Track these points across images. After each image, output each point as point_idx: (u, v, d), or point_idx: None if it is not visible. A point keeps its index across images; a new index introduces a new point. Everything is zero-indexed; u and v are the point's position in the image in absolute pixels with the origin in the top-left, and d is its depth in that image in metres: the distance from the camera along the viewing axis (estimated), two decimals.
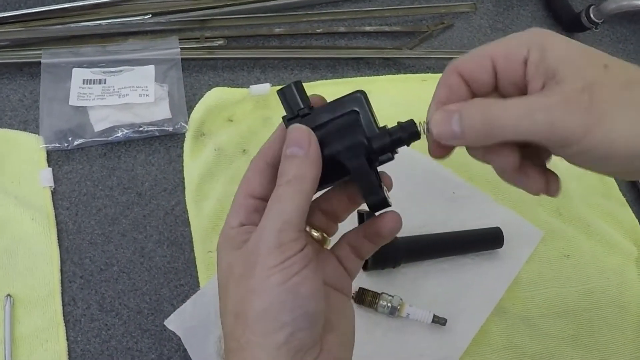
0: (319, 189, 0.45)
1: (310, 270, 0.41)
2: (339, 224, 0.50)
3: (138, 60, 0.81)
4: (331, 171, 0.43)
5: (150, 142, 0.77)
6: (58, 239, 0.70)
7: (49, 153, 0.75)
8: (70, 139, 0.75)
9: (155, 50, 0.82)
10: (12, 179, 0.72)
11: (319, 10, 0.92)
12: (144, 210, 0.73)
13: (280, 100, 0.45)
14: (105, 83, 0.79)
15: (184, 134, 0.77)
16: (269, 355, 0.39)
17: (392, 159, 0.44)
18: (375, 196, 0.42)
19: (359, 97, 0.44)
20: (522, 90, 0.42)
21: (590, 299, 0.72)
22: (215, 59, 0.85)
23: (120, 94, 0.78)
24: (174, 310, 0.64)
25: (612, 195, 0.81)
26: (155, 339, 0.65)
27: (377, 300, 0.66)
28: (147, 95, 0.78)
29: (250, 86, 0.80)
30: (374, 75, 0.86)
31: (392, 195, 0.46)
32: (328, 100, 0.45)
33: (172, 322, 0.64)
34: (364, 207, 0.45)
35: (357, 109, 0.43)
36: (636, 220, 0.79)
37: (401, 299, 0.66)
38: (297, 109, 0.44)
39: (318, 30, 0.90)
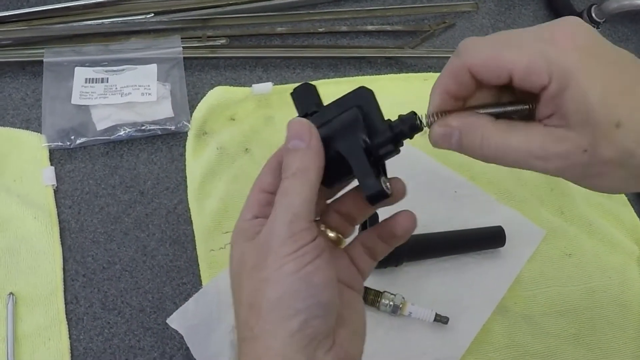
0: (332, 187, 0.46)
1: (323, 260, 0.41)
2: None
3: (140, 59, 0.82)
4: (339, 168, 0.44)
5: (152, 140, 0.77)
6: (60, 238, 0.70)
7: (52, 152, 0.75)
8: (72, 137, 0.75)
9: (157, 49, 0.82)
10: (15, 178, 0.72)
11: (321, 9, 0.92)
12: (146, 209, 0.73)
13: (293, 101, 0.46)
14: (107, 82, 0.79)
15: (187, 132, 0.77)
16: (283, 343, 0.39)
17: (397, 152, 0.44)
18: (372, 187, 0.42)
19: (364, 92, 0.44)
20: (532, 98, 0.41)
21: (592, 298, 0.72)
22: (217, 58, 0.85)
23: (122, 92, 0.78)
24: (177, 309, 0.65)
25: (614, 195, 0.81)
26: (158, 337, 0.66)
27: (379, 299, 0.66)
28: (149, 94, 0.78)
29: (253, 85, 0.80)
30: (375, 75, 0.87)
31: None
32: (331, 100, 0.46)
33: (175, 321, 0.64)
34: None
35: (360, 105, 0.44)
36: (638, 220, 0.79)
37: (403, 298, 0.66)
38: (308, 109, 0.45)
39: (320, 30, 0.90)
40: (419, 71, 0.88)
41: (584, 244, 0.75)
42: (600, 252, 0.75)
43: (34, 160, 0.74)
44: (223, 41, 0.86)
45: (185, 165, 0.76)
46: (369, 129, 0.43)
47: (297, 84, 0.84)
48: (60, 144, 0.75)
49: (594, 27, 0.93)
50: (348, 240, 0.49)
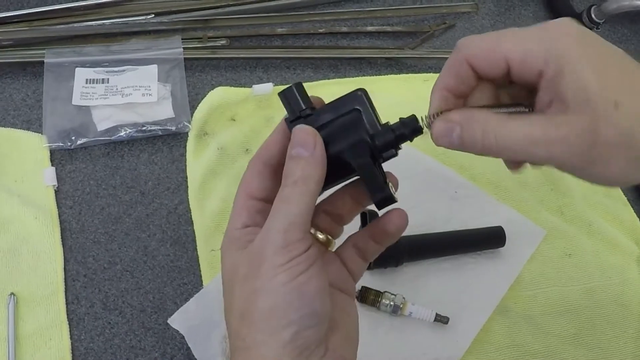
0: (324, 189, 0.45)
1: (316, 269, 0.41)
2: (345, 227, 0.50)
3: (141, 60, 0.82)
4: (336, 170, 0.43)
5: (153, 141, 0.77)
6: (61, 238, 0.70)
7: (52, 152, 0.75)
8: (73, 138, 0.75)
9: (158, 49, 0.83)
10: (16, 178, 0.73)
11: (321, 10, 0.92)
12: (147, 209, 0.73)
13: (282, 101, 0.45)
14: (108, 82, 0.79)
15: (187, 133, 0.77)
16: (275, 353, 0.39)
17: (395, 155, 0.44)
18: (381, 193, 0.42)
19: (360, 95, 0.44)
20: (532, 88, 0.42)
21: (591, 298, 0.72)
22: (218, 59, 0.85)
23: (123, 93, 0.78)
24: (177, 309, 0.65)
25: (614, 195, 0.81)
26: (159, 338, 0.66)
27: (379, 299, 0.66)
28: (150, 94, 0.78)
29: (253, 86, 0.80)
30: (376, 75, 0.87)
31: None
32: (329, 101, 0.45)
33: (176, 321, 0.64)
34: (368, 208, 0.45)
35: (358, 107, 0.43)
36: (637, 220, 0.79)
37: (403, 298, 0.66)
38: (299, 110, 0.44)
39: (320, 30, 0.90)
40: (419, 72, 0.88)
41: (584, 244, 0.76)
42: (600, 252, 0.76)
43: (34, 160, 0.74)
44: (223, 42, 0.86)
45: (186, 165, 0.76)
46: (370, 131, 0.43)
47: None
48: (61, 144, 0.75)
49: (593, 27, 0.93)
50: (338, 242, 0.48)
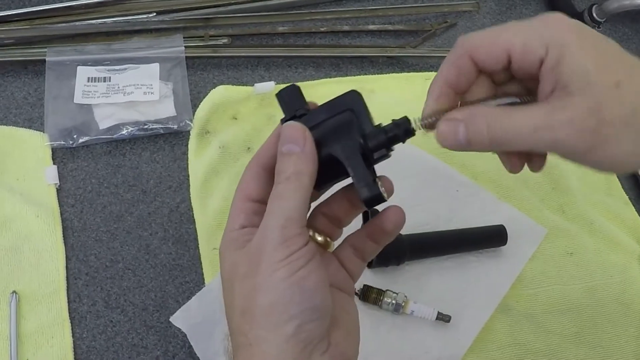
0: (320, 190, 0.45)
1: (315, 264, 0.41)
2: (344, 229, 0.49)
3: (143, 58, 0.82)
4: (329, 170, 0.43)
5: (155, 139, 0.77)
6: (63, 236, 0.70)
7: (54, 151, 0.75)
8: (75, 136, 0.75)
9: (159, 48, 0.83)
10: (18, 177, 0.73)
11: (323, 9, 0.92)
12: (149, 208, 0.73)
13: (279, 102, 0.45)
14: (110, 81, 0.79)
15: (189, 131, 0.77)
16: (278, 348, 0.39)
17: (388, 156, 0.44)
18: (369, 191, 0.42)
19: (354, 96, 0.44)
20: (533, 78, 0.42)
21: (593, 297, 0.72)
22: (219, 57, 0.85)
23: (125, 91, 0.78)
24: (179, 307, 0.65)
25: (615, 194, 0.81)
26: (161, 336, 0.66)
27: (381, 298, 0.66)
28: (151, 93, 0.78)
29: (255, 84, 0.80)
30: (377, 74, 0.87)
31: (396, 193, 0.46)
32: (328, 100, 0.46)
33: (178, 319, 0.64)
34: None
35: (352, 108, 0.44)
36: (639, 218, 0.80)
37: (405, 296, 0.67)
38: (294, 110, 0.44)
39: (322, 29, 0.90)
40: (420, 70, 0.88)
41: (586, 243, 0.76)
42: (601, 251, 0.76)
43: (36, 159, 0.74)
44: (225, 40, 0.86)
45: (187, 164, 0.76)
46: (362, 132, 0.43)
47: (299, 83, 0.84)
48: (62, 142, 0.75)
49: (594, 26, 0.93)
50: (336, 243, 0.48)
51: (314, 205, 0.48)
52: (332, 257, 0.48)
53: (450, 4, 0.95)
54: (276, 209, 0.41)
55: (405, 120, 0.44)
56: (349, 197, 0.47)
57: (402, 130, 0.43)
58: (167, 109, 0.78)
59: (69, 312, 0.66)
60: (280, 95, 0.45)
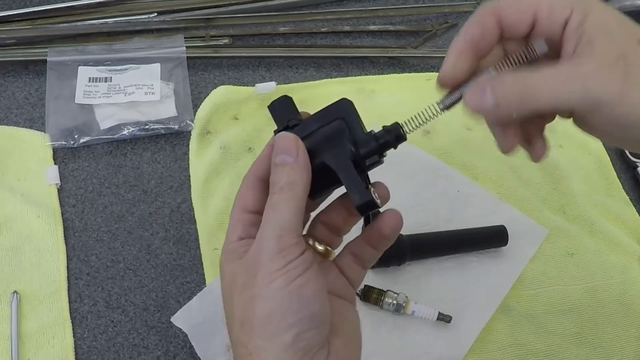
0: (315, 199, 0.46)
1: (313, 272, 0.41)
2: (345, 237, 0.50)
3: (144, 59, 0.82)
4: (324, 179, 0.44)
5: (156, 140, 0.77)
6: (64, 236, 0.70)
7: (55, 151, 0.75)
8: (76, 136, 0.75)
9: (160, 48, 0.83)
10: (19, 177, 0.73)
11: (324, 9, 0.93)
12: (150, 208, 0.73)
13: (271, 114, 0.46)
14: (111, 81, 0.79)
15: (190, 132, 0.78)
16: (277, 357, 0.39)
17: (380, 162, 0.44)
18: (362, 198, 0.42)
19: (345, 104, 0.44)
20: (553, 47, 0.42)
21: (593, 297, 0.72)
22: (220, 58, 0.85)
23: (126, 92, 0.78)
24: (180, 307, 0.65)
25: (616, 194, 0.81)
26: (162, 336, 0.66)
27: (382, 298, 0.66)
28: (152, 93, 0.79)
29: (256, 84, 0.80)
30: (378, 74, 0.87)
31: (396, 194, 0.46)
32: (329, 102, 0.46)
33: (179, 319, 0.64)
34: None
35: (343, 116, 0.44)
36: (639, 219, 0.79)
37: (406, 297, 0.67)
38: (287, 121, 0.45)
39: (323, 29, 0.90)
40: (421, 71, 0.88)
41: (586, 243, 0.76)
42: (602, 251, 0.76)
43: (37, 159, 0.74)
44: (226, 41, 0.86)
45: (188, 164, 0.76)
46: (354, 140, 0.43)
47: (300, 83, 0.85)
48: (64, 143, 0.75)
49: None
50: (337, 251, 0.49)
51: (313, 214, 0.48)
52: (332, 265, 0.48)
53: (451, 5, 0.95)
54: (271, 219, 0.41)
55: (396, 126, 0.44)
56: (346, 205, 0.47)
57: (393, 136, 0.44)
58: (168, 109, 0.78)
59: (70, 312, 0.66)
60: (272, 107, 0.46)
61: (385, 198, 0.45)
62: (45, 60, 0.80)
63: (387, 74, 0.87)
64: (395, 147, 0.44)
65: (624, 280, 0.74)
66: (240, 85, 0.82)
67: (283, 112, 0.45)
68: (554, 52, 0.43)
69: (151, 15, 0.86)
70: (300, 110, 0.46)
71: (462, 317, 0.67)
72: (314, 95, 0.82)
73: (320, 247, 0.47)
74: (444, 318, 0.66)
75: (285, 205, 0.41)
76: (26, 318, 0.65)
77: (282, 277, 0.40)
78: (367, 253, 0.47)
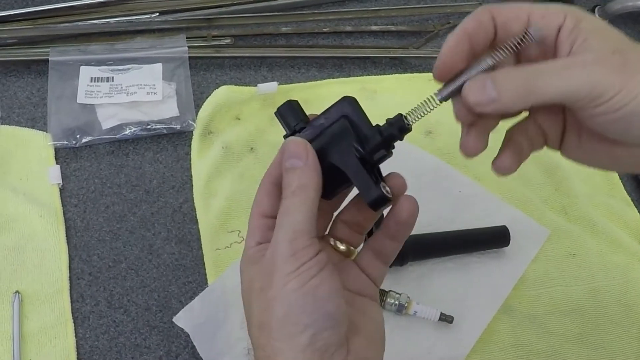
0: (330, 199, 0.46)
1: (327, 272, 0.41)
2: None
3: (146, 59, 0.82)
4: (335, 179, 0.44)
5: (158, 140, 0.77)
6: (66, 236, 0.70)
7: (57, 150, 0.75)
8: (78, 136, 0.75)
9: (162, 48, 0.83)
10: (21, 176, 0.73)
11: (326, 9, 0.93)
12: (152, 208, 0.73)
13: (278, 119, 0.46)
14: (113, 81, 0.79)
15: (192, 132, 0.78)
16: (295, 359, 0.40)
17: (389, 155, 0.44)
18: (372, 194, 0.42)
19: (348, 102, 0.44)
20: (546, 53, 0.43)
21: (595, 298, 0.72)
22: (222, 58, 0.85)
23: (128, 92, 0.78)
24: (182, 307, 0.65)
25: (618, 195, 0.81)
26: (164, 336, 0.66)
27: (384, 298, 0.66)
28: (154, 93, 0.79)
29: (258, 85, 0.80)
30: (380, 75, 0.87)
31: None
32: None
33: (181, 319, 0.64)
34: None
35: (346, 114, 0.44)
36: None
37: (408, 297, 0.67)
38: (294, 125, 0.45)
39: (325, 30, 0.90)
40: (423, 71, 0.88)
41: (588, 244, 0.76)
42: (604, 252, 0.76)
43: (39, 159, 0.74)
44: (228, 41, 0.86)
45: (190, 164, 0.76)
46: (359, 136, 0.43)
47: (302, 83, 0.85)
48: (65, 142, 0.75)
49: None
50: (358, 249, 0.49)
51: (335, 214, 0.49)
52: (352, 263, 0.48)
53: (452, 5, 0.95)
54: (284, 223, 0.42)
55: (399, 118, 0.44)
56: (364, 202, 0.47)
57: (396, 128, 0.44)
58: (170, 109, 0.78)
59: (72, 312, 0.66)
60: (278, 113, 0.46)
61: (402, 187, 0.45)
62: (47, 60, 0.80)
63: (389, 74, 0.87)
64: (401, 139, 0.44)
65: (626, 281, 0.74)
66: (242, 86, 0.82)
67: (289, 116, 0.46)
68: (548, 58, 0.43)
69: (153, 15, 0.86)
70: (307, 113, 0.47)
71: (464, 318, 0.67)
72: (316, 96, 0.82)
73: (342, 247, 0.47)
74: (446, 318, 0.66)
75: (298, 208, 0.42)
76: (28, 318, 0.65)
77: (296, 279, 0.40)
78: (388, 247, 0.47)
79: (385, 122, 0.44)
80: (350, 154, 0.43)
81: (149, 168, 0.76)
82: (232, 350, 0.63)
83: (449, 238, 0.72)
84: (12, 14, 0.84)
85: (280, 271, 0.41)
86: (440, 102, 0.44)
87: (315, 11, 0.91)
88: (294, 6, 0.91)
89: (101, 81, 0.79)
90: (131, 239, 0.71)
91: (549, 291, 0.72)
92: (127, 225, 0.72)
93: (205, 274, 0.69)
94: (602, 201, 0.80)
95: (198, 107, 0.79)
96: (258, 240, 0.45)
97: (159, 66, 0.81)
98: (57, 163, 0.74)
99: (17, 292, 0.65)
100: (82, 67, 0.80)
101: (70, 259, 0.69)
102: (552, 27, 0.42)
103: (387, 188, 0.44)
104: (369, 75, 0.87)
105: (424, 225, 0.72)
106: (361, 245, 0.49)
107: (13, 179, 0.72)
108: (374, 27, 0.92)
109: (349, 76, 0.86)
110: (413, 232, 0.69)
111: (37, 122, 0.77)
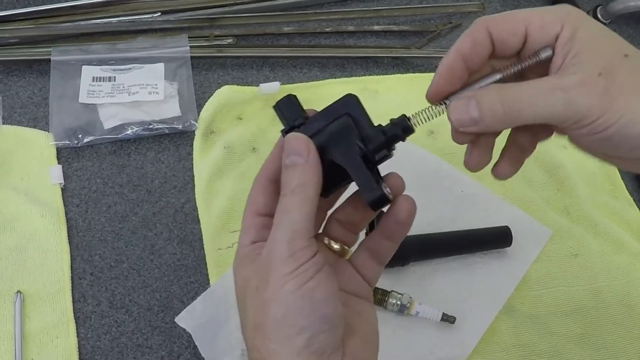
0: (327, 196, 0.45)
1: (324, 274, 0.41)
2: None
3: (147, 58, 0.82)
4: (334, 177, 0.44)
5: (160, 139, 0.77)
6: (68, 236, 0.70)
7: (59, 150, 0.75)
8: (80, 136, 0.75)
9: (164, 48, 0.83)
10: (22, 176, 0.73)
11: (328, 9, 0.93)
12: (153, 208, 0.73)
13: (277, 113, 0.46)
14: (114, 81, 0.79)
15: (194, 131, 0.77)
16: None
17: (389, 156, 0.44)
18: (373, 194, 0.42)
19: (351, 100, 0.44)
20: (542, 62, 0.43)
21: (597, 298, 0.72)
22: (224, 57, 0.85)
23: (130, 91, 0.78)
24: (184, 308, 0.65)
25: (620, 196, 0.81)
26: (166, 336, 0.66)
27: (386, 298, 0.66)
28: (156, 93, 0.78)
29: (260, 84, 0.80)
30: (382, 74, 0.87)
31: None
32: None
33: (183, 319, 0.64)
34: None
35: (349, 112, 0.44)
36: None
37: (410, 297, 0.66)
38: (293, 120, 0.45)
39: (327, 29, 0.90)
40: (425, 71, 0.88)
41: (590, 244, 0.76)
42: (606, 253, 0.76)
43: (41, 158, 0.74)
44: (230, 40, 0.86)
45: (192, 164, 0.76)
46: (362, 135, 0.43)
47: (304, 83, 0.85)
48: (67, 142, 0.75)
49: None
50: (353, 249, 0.48)
51: (329, 213, 0.48)
52: (346, 264, 0.47)
53: (455, 5, 0.95)
54: (283, 222, 0.41)
55: (403, 119, 0.44)
56: (361, 200, 0.46)
57: (400, 128, 0.43)
58: (172, 109, 0.78)
59: (74, 312, 0.66)
60: (277, 107, 0.45)
61: (400, 187, 0.45)
62: (49, 60, 0.80)
63: (391, 74, 0.87)
64: (403, 140, 0.44)
65: (628, 281, 0.74)
66: (244, 85, 0.82)
67: (288, 111, 0.45)
68: (544, 68, 0.43)
69: (155, 15, 0.86)
70: (305, 109, 0.46)
71: (466, 318, 0.67)
72: (317, 95, 0.82)
73: (336, 246, 0.47)
74: (448, 319, 0.66)
75: (297, 207, 0.41)
76: (30, 318, 0.65)
77: (294, 281, 0.40)
78: (384, 247, 0.47)
79: (389, 122, 0.44)
80: (353, 152, 0.43)
81: (150, 168, 0.76)
82: (234, 350, 0.63)
83: (451, 238, 0.72)
84: (14, 13, 0.84)
85: (278, 272, 0.40)
86: (447, 109, 0.44)
87: (318, 11, 0.91)
88: (296, 6, 0.91)
89: (103, 81, 0.79)
90: (133, 238, 0.71)
91: (551, 291, 0.72)
92: (129, 225, 0.72)
93: (207, 274, 0.69)
94: (604, 201, 0.80)
95: (200, 107, 0.79)
96: (252, 239, 0.44)
97: (160, 66, 0.81)
98: (58, 163, 0.74)
99: (18, 292, 0.65)
100: (84, 67, 0.80)
101: (72, 258, 0.69)
102: (550, 38, 0.42)
103: (388, 188, 0.43)
104: (371, 75, 0.86)
105: (425, 225, 0.73)
106: (355, 245, 0.49)
107: (15, 179, 0.72)
108: (376, 27, 0.92)
109: (351, 76, 0.86)
110: (415, 232, 0.69)
111: (39, 121, 0.77)
